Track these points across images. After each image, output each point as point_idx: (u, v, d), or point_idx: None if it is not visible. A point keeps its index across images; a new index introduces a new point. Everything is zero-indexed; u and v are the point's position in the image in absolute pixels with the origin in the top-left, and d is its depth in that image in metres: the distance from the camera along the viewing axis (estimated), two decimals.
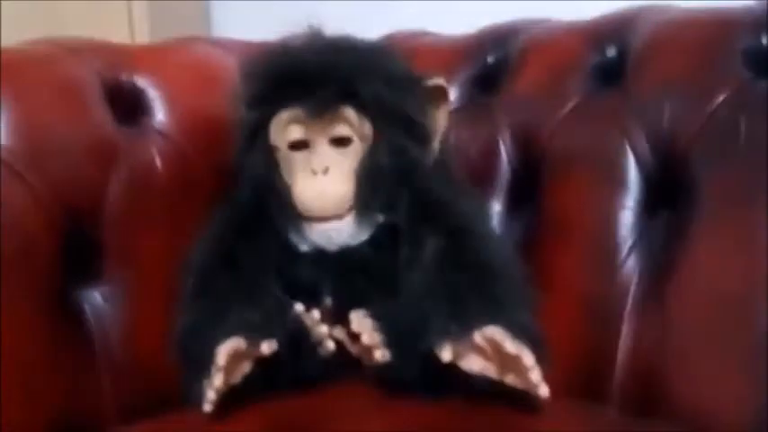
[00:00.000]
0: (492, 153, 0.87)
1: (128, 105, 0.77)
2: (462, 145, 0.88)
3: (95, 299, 0.73)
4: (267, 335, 0.64)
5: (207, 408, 0.62)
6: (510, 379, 0.62)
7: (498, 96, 0.89)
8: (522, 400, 0.62)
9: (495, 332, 0.62)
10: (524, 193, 0.85)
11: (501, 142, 0.87)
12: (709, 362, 0.68)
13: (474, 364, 0.63)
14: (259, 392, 0.65)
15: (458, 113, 0.87)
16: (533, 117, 0.85)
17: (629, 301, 0.74)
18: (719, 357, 0.68)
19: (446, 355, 0.62)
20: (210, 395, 0.62)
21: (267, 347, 0.64)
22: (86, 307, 0.72)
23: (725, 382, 0.67)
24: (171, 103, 0.79)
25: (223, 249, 0.73)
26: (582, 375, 0.73)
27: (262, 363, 0.65)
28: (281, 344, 0.65)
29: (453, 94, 0.90)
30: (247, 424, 0.63)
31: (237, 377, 0.64)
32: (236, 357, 0.63)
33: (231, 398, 0.64)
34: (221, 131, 0.77)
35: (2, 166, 0.68)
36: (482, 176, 0.86)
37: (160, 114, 0.78)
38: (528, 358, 0.60)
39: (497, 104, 0.89)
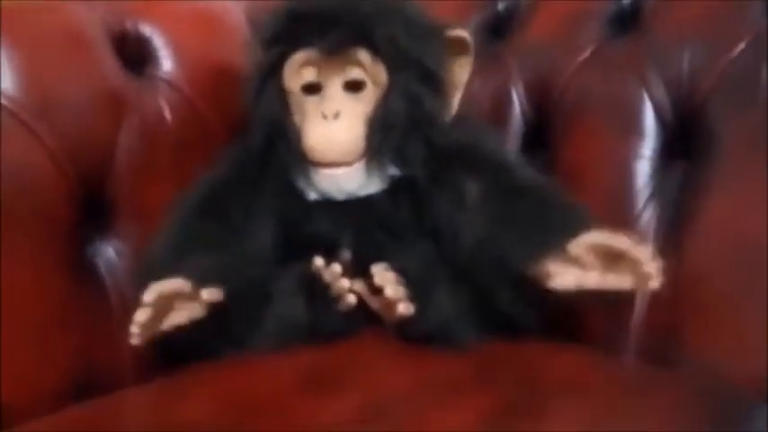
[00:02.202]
0: (504, 102, 0.86)
1: (135, 54, 0.75)
2: (474, 93, 0.86)
3: (109, 253, 0.72)
4: (224, 279, 0.64)
5: (133, 341, 0.61)
6: (612, 281, 0.61)
7: (510, 44, 0.88)
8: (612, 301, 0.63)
9: (594, 237, 0.60)
10: (537, 142, 0.84)
11: (513, 91, 0.86)
12: (726, 311, 0.69)
13: (570, 279, 0.62)
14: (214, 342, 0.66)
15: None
16: (547, 65, 0.84)
17: None
18: (737, 307, 0.68)
19: (563, 280, 0.61)
20: (133, 329, 0.60)
21: (207, 294, 0.63)
22: (100, 262, 0.71)
23: (742, 332, 0.67)
24: (177, 51, 0.77)
25: (214, 193, 0.72)
26: (599, 325, 0.73)
27: (221, 314, 0.64)
28: (240, 293, 0.65)
29: None
30: (273, 376, 0.63)
31: (181, 318, 0.63)
32: (174, 299, 0.62)
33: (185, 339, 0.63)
34: (229, 79, 0.75)
35: (10, 116, 0.65)
36: (494, 125, 0.85)
37: (167, 63, 0.76)
38: (642, 251, 0.58)
39: (509, 52, 0.87)
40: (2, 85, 0.65)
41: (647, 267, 0.59)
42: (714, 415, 0.60)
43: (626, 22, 0.80)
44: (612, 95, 0.79)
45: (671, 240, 0.74)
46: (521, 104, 0.86)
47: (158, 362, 0.70)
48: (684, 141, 0.75)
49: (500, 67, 0.87)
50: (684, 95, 0.75)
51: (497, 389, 0.61)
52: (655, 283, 0.60)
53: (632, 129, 0.77)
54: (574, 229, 0.63)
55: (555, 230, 0.64)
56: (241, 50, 0.75)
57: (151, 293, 0.60)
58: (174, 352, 0.67)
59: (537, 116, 0.85)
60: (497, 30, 0.89)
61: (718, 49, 0.74)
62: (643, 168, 0.76)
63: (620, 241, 0.60)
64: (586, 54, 0.81)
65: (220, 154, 0.75)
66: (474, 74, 0.85)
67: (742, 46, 0.72)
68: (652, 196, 0.76)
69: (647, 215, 0.76)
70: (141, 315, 0.60)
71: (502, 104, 0.86)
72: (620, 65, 0.79)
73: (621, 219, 0.76)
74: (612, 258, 0.61)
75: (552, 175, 0.82)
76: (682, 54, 0.75)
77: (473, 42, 0.73)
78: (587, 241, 0.61)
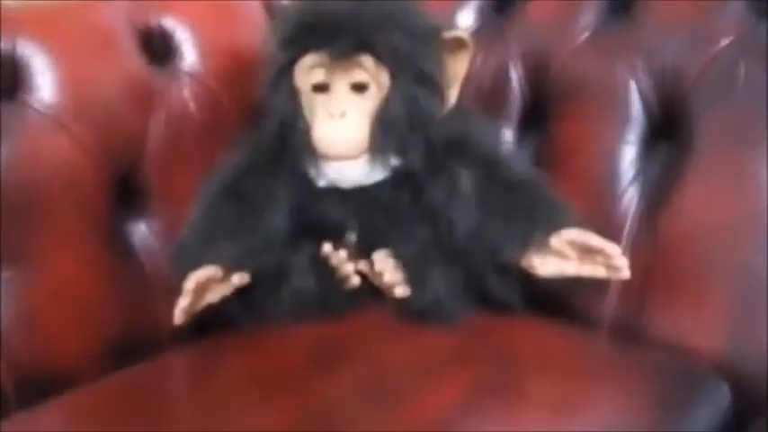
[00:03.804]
0: (503, 79, 0.91)
1: (159, 49, 0.82)
2: (475, 69, 0.91)
3: (143, 232, 0.81)
4: (249, 264, 0.73)
5: (177, 322, 0.71)
6: (588, 270, 0.72)
7: (512, 21, 0.92)
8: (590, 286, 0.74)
9: (574, 233, 0.71)
10: (534, 120, 0.90)
11: (513, 68, 0.91)
12: (690, 290, 0.76)
13: (550, 267, 0.73)
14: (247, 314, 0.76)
15: (471, 36, 0.91)
16: (546, 45, 0.89)
17: (626, 230, 0.81)
18: (700, 286, 0.76)
19: (545, 268, 0.72)
20: (177, 312, 0.71)
21: (238, 279, 0.73)
22: (136, 239, 0.80)
23: (704, 310, 0.75)
24: (199, 44, 0.83)
25: (236, 178, 0.79)
26: (578, 301, 0.81)
27: (244, 289, 0.74)
28: (262, 273, 0.74)
29: (468, 16, 0.95)
30: (290, 349, 0.73)
31: (214, 298, 0.73)
32: (209, 283, 0.71)
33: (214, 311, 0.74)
34: (249, 70, 0.81)
35: (50, 122, 0.73)
36: (493, 102, 0.91)
37: (190, 57, 0.83)
38: (612, 248, 0.70)
39: (511, 30, 0.92)
40: (42, 94, 0.73)
41: (617, 262, 0.69)
42: (673, 393, 0.68)
43: (620, 11, 0.84)
44: (603, 81, 0.84)
45: (649, 220, 0.81)
46: (519, 83, 0.91)
47: (190, 328, 0.80)
48: (667, 129, 0.81)
49: (501, 46, 0.92)
50: (669, 86, 0.80)
51: (480, 365, 0.71)
52: (624, 274, 0.69)
53: (620, 115, 0.83)
54: (556, 224, 0.73)
55: (539, 225, 0.73)
56: (260, 42, 0.81)
57: (191, 282, 0.70)
58: (204, 321, 0.77)
59: (534, 95, 0.90)
60: (501, 6, 0.93)
61: (703, 43, 0.78)
62: (628, 152, 0.83)
63: (594, 239, 0.70)
64: (582, 39, 0.86)
65: (240, 138, 0.82)
66: (475, 49, 0.91)
67: (725, 42, 0.77)
68: (635, 178, 0.82)
69: (630, 195, 0.82)
70: (183, 301, 0.71)
71: (501, 82, 0.91)
72: (611, 52, 0.84)
73: (606, 198, 0.83)
74: (588, 250, 0.70)
75: (546, 152, 0.89)
76: (669, 46, 0.80)
77: (471, 40, 0.78)
78: (567, 237, 0.71)
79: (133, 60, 0.80)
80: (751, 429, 0.71)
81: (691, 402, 0.69)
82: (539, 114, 0.89)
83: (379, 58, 0.74)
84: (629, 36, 0.83)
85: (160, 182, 0.80)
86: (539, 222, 0.73)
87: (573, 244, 0.71)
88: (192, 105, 0.82)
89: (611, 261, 0.70)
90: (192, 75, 0.83)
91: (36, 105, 0.73)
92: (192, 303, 0.72)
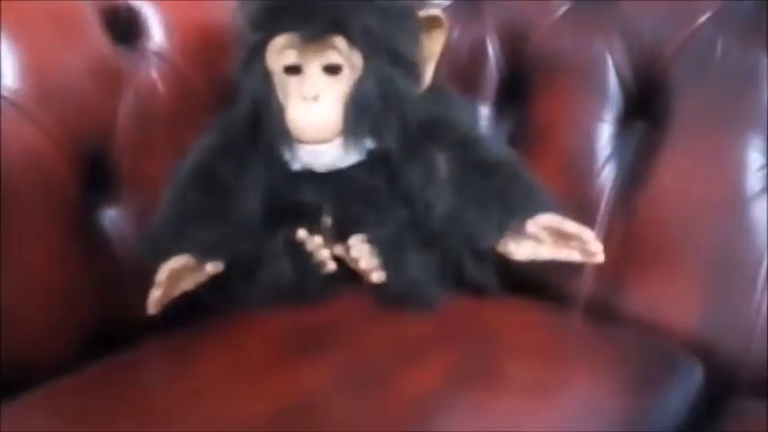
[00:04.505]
0: (480, 55, 0.90)
1: (126, 28, 0.79)
2: (451, 45, 0.90)
3: (115, 219, 0.78)
4: (223, 253, 0.73)
5: (151, 311, 0.70)
6: (563, 254, 0.72)
7: None
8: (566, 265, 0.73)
9: (549, 218, 0.71)
10: (511, 97, 0.89)
11: (489, 44, 0.90)
12: (666, 268, 0.77)
13: (526, 251, 0.73)
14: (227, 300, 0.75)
15: (447, 12, 0.89)
16: (523, 20, 0.87)
17: (603, 208, 0.81)
18: (674, 263, 0.76)
19: (521, 252, 0.72)
20: (150, 302, 0.70)
21: (211, 268, 0.72)
22: (108, 226, 0.78)
23: (677, 286, 0.76)
24: (167, 22, 0.80)
25: (208, 162, 0.78)
26: (552, 279, 0.80)
27: (219, 275, 0.73)
28: (236, 259, 0.73)
29: None
30: (268, 337, 0.72)
31: (188, 286, 0.72)
32: (183, 272, 0.71)
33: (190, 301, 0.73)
34: (219, 48, 0.79)
35: (12, 108, 0.70)
36: (470, 78, 0.90)
37: (157, 35, 0.80)
38: (587, 233, 0.70)
39: (487, 5, 0.90)
40: (3, 80, 0.70)
41: (591, 247, 0.70)
42: (647, 374, 0.69)
43: None
44: (580, 58, 0.83)
45: (625, 197, 0.81)
46: (496, 59, 0.90)
47: (166, 314, 0.79)
48: (643, 106, 0.81)
49: (477, 21, 0.90)
50: (646, 62, 0.80)
51: (459, 349, 0.71)
52: (599, 258, 0.70)
53: (596, 92, 0.82)
54: (532, 209, 0.73)
55: (515, 212, 0.73)
56: (230, 19, 0.78)
57: (163, 273, 0.69)
58: (180, 307, 0.76)
59: (511, 71, 0.89)
60: None
61: (681, 20, 0.78)
62: (604, 130, 0.82)
63: (569, 225, 0.70)
64: (559, 14, 0.85)
65: (212, 121, 0.80)
66: (451, 25, 0.90)
67: (702, 19, 0.76)
68: (611, 156, 0.82)
69: (605, 174, 0.82)
70: (156, 292, 0.70)
71: (478, 58, 0.90)
72: (588, 28, 0.83)
73: (583, 175, 0.83)
74: (563, 235, 0.70)
75: (523, 129, 0.88)
76: (646, 22, 0.79)
77: (446, 18, 0.76)
78: (542, 222, 0.71)
79: (98, 40, 0.77)
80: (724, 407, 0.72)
81: (664, 382, 0.69)
82: (516, 91, 0.88)
83: (352, 39, 0.72)
84: (606, 11, 0.82)
85: (130, 165, 0.78)
86: (515, 209, 0.73)
87: (548, 229, 0.72)
88: (160, 85, 0.80)
89: (586, 246, 0.70)
90: (159, 54, 0.80)
91: None
92: (166, 293, 0.71)
